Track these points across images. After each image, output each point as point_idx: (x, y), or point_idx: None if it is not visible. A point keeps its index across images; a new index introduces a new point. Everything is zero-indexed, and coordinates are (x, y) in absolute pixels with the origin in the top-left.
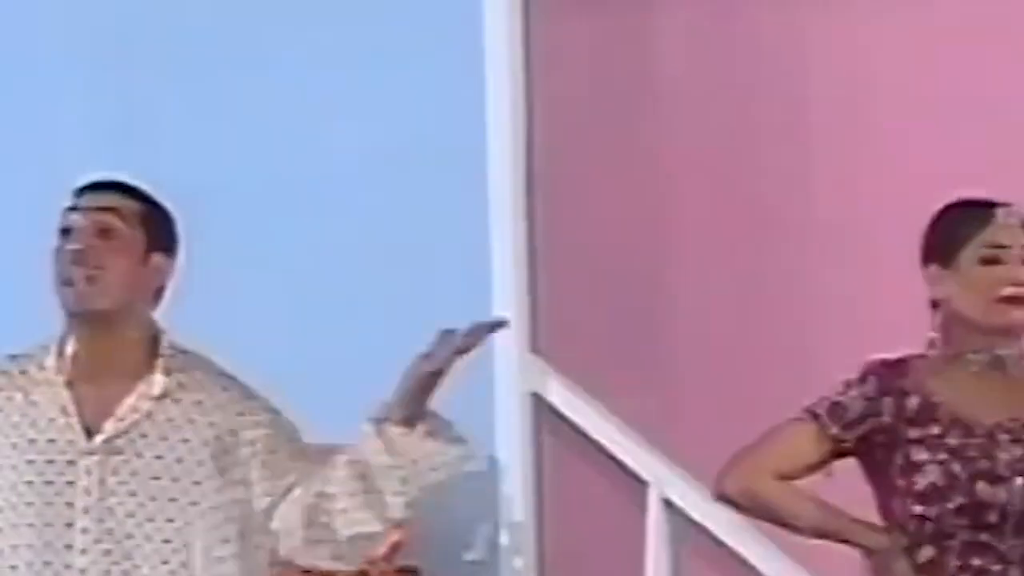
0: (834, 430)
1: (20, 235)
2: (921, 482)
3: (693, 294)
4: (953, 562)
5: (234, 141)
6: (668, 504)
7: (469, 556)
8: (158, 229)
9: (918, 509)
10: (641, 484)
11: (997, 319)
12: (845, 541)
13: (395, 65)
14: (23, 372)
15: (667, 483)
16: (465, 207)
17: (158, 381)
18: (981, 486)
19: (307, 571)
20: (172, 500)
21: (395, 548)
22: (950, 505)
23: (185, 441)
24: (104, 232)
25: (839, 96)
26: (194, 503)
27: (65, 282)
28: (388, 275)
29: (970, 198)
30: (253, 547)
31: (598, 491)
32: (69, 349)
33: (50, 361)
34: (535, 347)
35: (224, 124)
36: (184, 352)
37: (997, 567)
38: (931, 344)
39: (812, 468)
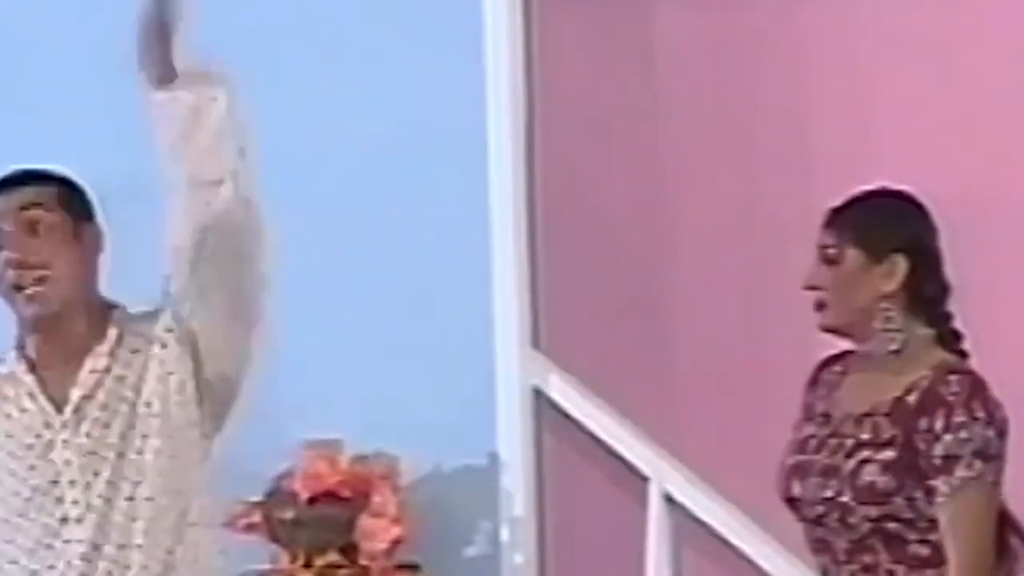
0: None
1: None
2: None
3: (694, 289)
4: (812, 558)
5: None
6: (669, 500)
7: (470, 552)
8: (75, 202)
9: None
10: (642, 479)
11: None
12: None
13: (395, 63)
14: None
15: (668, 479)
16: (465, 203)
17: (109, 336)
18: (794, 481)
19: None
20: (146, 438)
21: (396, 544)
22: (783, 500)
23: (142, 382)
24: (33, 227)
25: (839, 94)
26: (170, 436)
27: (14, 287)
28: (388, 272)
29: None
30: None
31: (599, 486)
32: (29, 345)
33: (11, 355)
34: (536, 342)
35: None
36: (125, 320)
37: (833, 566)
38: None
39: None
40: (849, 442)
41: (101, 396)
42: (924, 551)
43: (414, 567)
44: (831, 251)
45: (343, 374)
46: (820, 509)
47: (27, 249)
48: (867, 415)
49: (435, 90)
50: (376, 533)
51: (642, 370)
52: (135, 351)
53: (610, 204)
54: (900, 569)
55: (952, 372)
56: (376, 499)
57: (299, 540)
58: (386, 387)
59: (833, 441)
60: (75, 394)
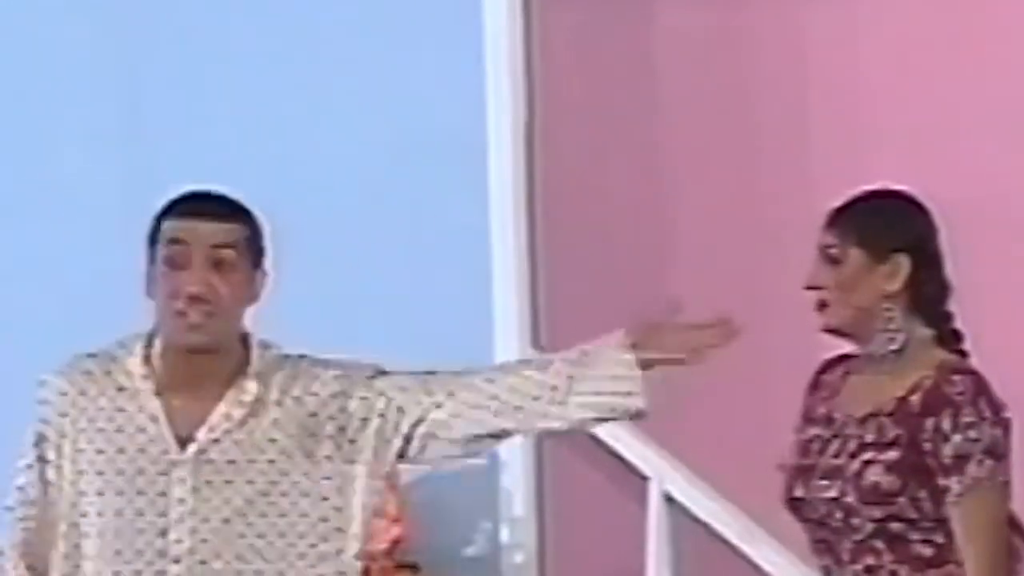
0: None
1: (24, 238)
2: None
3: (694, 289)
4: (814, 560)
5: (234, 138)
6: (669, 499)
7: (470, 552)
8: (258, 246)
9: None
10: (642, 479)
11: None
12: None
13: (395, 63)
14: (107, 374)
15: (668, 478)
16: (465, 203)
17: (250, 388)
18: (797, 483)
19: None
20: (269, 502)
21: (395, 543)
22: (784, 502)
23: (273, 441)
24: (218, 265)
25: (839, 92)
26: (285, 494)
27: (179, 314)
28: (388, 271)
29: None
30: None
31: (599, 486)
32: (157, 358)
33: (136, 367)
34: (536, 342)
35: (224, 122)
36: (267, 348)
37: (836, 567)
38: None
39: None
40: (853, 443)
41: (227, 444)
42: (927, 551)
43: (414, 567)
44: (833, 251)
45: None
46: (823, 510)
47: (206, 285)
48: (871, 416)
49: (435, 90)
50: (376, 533)
51: None
52: (265, 405)
53: (610, 204)
54: (903, 569)
55: (956, 372)
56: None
57: None
58: None
59: (836, 442)
60: (202, 436)
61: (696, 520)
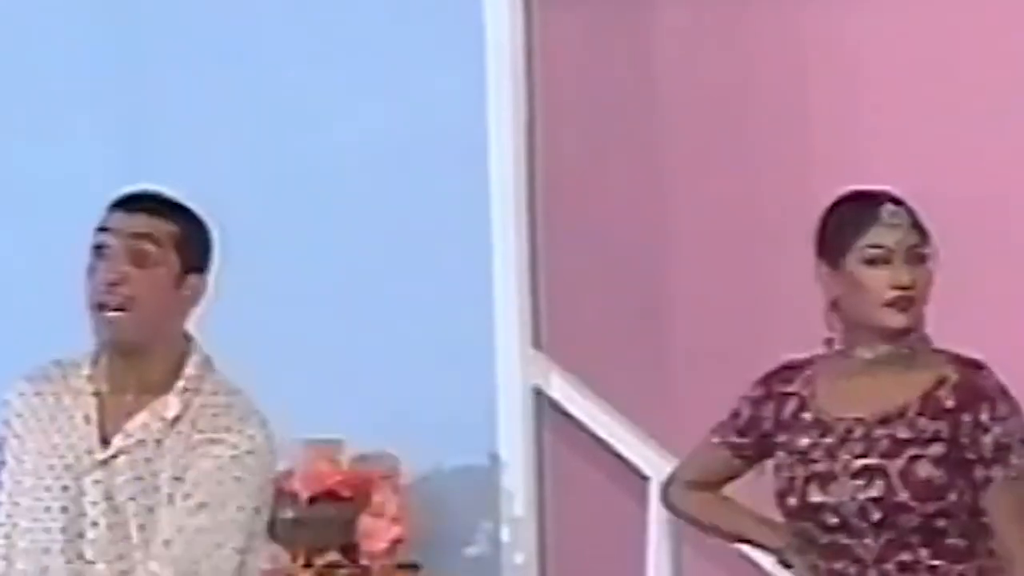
0: (732, 438)
1: (27, 241)
2: (775, 487)
3: (694, 288)
4: (822, 564)
5: (233, 138)
6: None
7: (470, 552)
8: (193, 249)
9: (780, 512)
10: (643, 479)
11: (886, 322)
12: (749, 541)
13: (395, 62)
14: (64, 376)
15: None
16: (466, 202)
17: (172, 404)
18: (812, 488)
19: None
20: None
21: (396, 543)
22: (789, 508)
23: (184, 469)
24: (138, 258)
25: (839, 93)
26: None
27: (98, 306)
28: (388, 271)
29: (862, 191)
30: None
31: (600, 486)
32: (103, 362)
33: (86, 370)
34: (537, 342)
35: (225, 122)
36: (204, 370)
37: (854, 569)
38: (828, 344)
39: (727, 476)
40: (884, 443)
41: (138, 456)
42: (962, 544)
43: (414, 567)
44: (922, 250)
45: (343, 374)
46: (854, 511)
47: (122, 275)
48: (897, 415)
49: (435, 89)
50: (376, 533)
51: (643, 370)
52: (180, 432)
53: (610, 204)
54: (941, 564)
55: (980, 366)
56: (376, 499)
57: (299, 540)
58: (386, 387)
59: (856, 445)
60: (117, 441)
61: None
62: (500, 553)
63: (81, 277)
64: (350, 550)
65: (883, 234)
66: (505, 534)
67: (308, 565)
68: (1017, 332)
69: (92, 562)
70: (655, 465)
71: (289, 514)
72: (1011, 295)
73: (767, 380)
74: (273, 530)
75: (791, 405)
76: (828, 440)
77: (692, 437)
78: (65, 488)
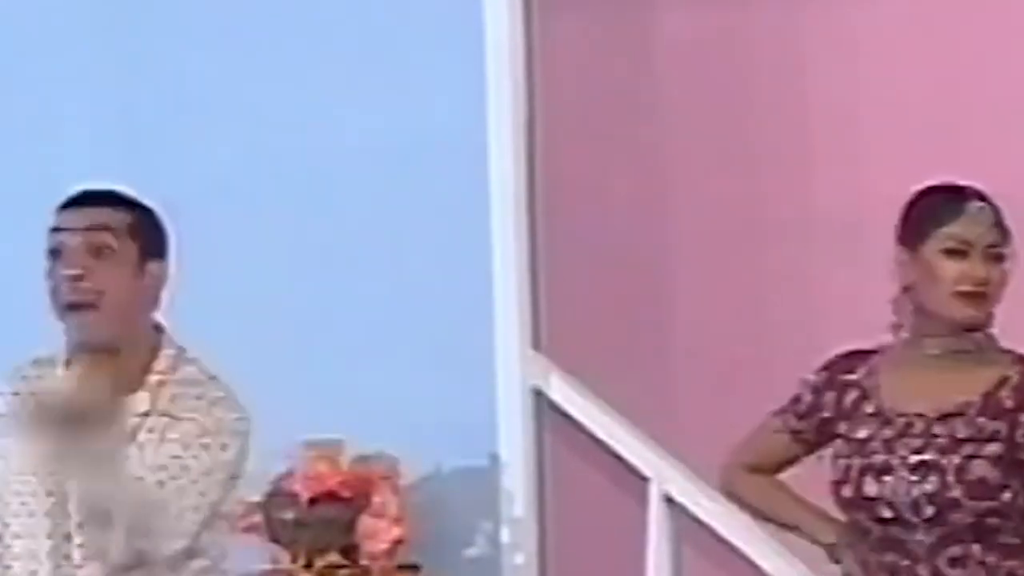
0: (792, 422)
1: (22, 242)
2: (831, 476)
3: (695, 290)
4: (873, 557)
5: (233, 139)
6: (669, 500)
7: (470, 552)
8: (149, 236)
9: (835, 502)
10: (642, 480)
11: (955, 313)
12: (798, 530)
13: (395, 63)
14: (40, 378)
15: (668, 479)
16: (466, 204)
17: (141, 399)
18: (867, 480)
19: None
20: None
21: (396, 544)
22: (844, 498)
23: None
24: (97, 251)
25: (839, 93)
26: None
27: (67, 307)
28: (388, 272)
29: (950, 183)
30: None
31: (599, 487)
32: (75, 362)
33: (59, 370)
34: (536, 343)
35: (225, 123)
36: (178, 362)
37: (905, 562)
38: (895, 329)
39: (785, 461)
40: (943, 439)
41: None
42: (1014, 541)
43: (414, 567)
44: (1001, 249)
45: (343, 374)
46: (907, 504)
47: (85, 269)
48: (957, 413)
49: (435, 90)
50: (377, 533)
51: (642, 370)
52: (151, 429)
53: (610, 204)
54: (993, 560)
55: None
56: (377, 499)
57: (300, 541)
58: (386, 387)
59: (914, 440)
60: None
61: (696, 521)
62: (500, 554)
63: None
64: (350, 551)
65: (965, 227)
66: (505, 535)
67: (308, 566)
68: (1019, 332)
69: (80, 566)
70: (655, 466)
71: (289, 515)
72: (1013, 296)
73: (830, 366)
74: (273, 531)
75: (852, 395)
76: (887, 433)
77: (692, 437)
78: (50, 493)
